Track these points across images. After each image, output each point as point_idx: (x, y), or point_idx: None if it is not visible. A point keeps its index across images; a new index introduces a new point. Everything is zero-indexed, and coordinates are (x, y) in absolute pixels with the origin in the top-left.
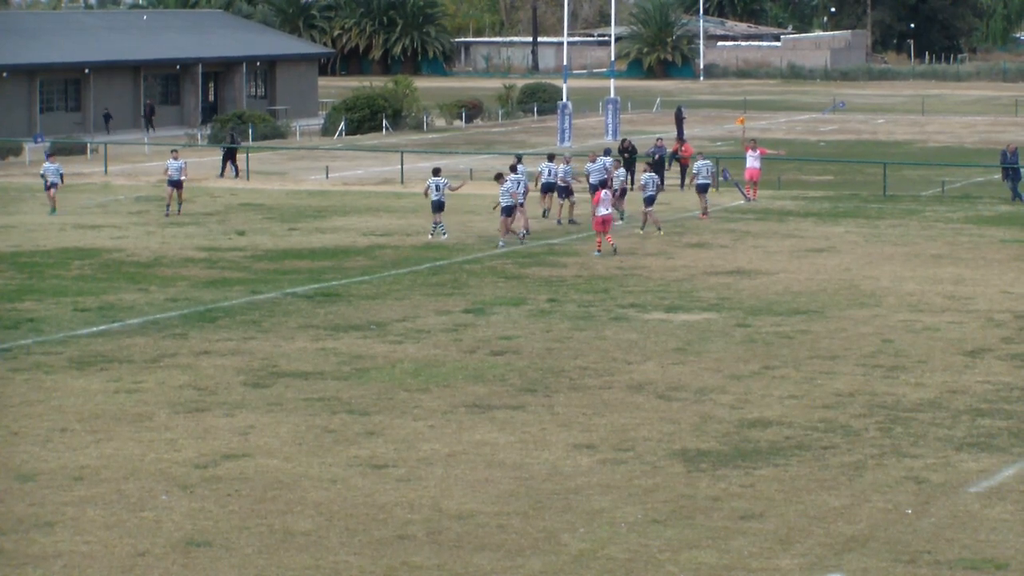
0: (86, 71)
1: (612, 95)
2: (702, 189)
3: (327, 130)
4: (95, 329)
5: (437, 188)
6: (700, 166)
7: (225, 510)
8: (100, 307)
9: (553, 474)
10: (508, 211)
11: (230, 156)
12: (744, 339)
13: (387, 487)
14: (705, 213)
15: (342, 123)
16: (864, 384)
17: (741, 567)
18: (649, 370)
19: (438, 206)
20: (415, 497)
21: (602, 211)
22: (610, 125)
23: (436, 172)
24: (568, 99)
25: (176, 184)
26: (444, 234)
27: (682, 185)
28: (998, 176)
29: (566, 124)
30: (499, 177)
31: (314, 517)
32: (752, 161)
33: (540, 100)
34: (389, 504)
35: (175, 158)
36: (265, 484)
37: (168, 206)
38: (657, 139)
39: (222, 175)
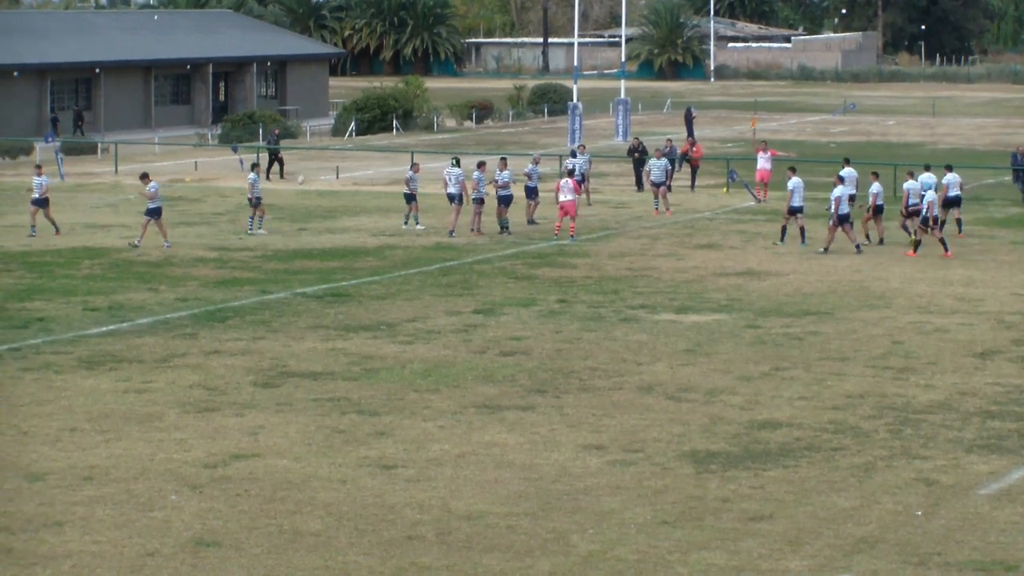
0: (97, 71)
1: (623, 96)
2: (657, 184)
3: (337, 130)
4: (105, 329)
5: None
6: (653, 164)
7: (234, 510)
8: (110, 307)
9: (562, 475)
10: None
11: (275, 156)
12: (754, 340)
13: (396, 488)
14: (668, 210)
15: (352, 123)
16: (874, 385)
17: (751, 568)
18: (659, 371)
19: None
20: (424, 498)
21: (562, 197)
22: (620, 126)
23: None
24: (578, 100)
25: (40, 203)
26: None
27: (692, 186)
28: (1009, 178)
29: (576, 125)
30: (481, 165)
31: (323, 517)
32: (762, 163)
33: (551, 101)
34: (398, 505)
35: (39, 174)
36: (274, 484)
37: (33, 226)
38: (667, 140)
39: (268, 177)
